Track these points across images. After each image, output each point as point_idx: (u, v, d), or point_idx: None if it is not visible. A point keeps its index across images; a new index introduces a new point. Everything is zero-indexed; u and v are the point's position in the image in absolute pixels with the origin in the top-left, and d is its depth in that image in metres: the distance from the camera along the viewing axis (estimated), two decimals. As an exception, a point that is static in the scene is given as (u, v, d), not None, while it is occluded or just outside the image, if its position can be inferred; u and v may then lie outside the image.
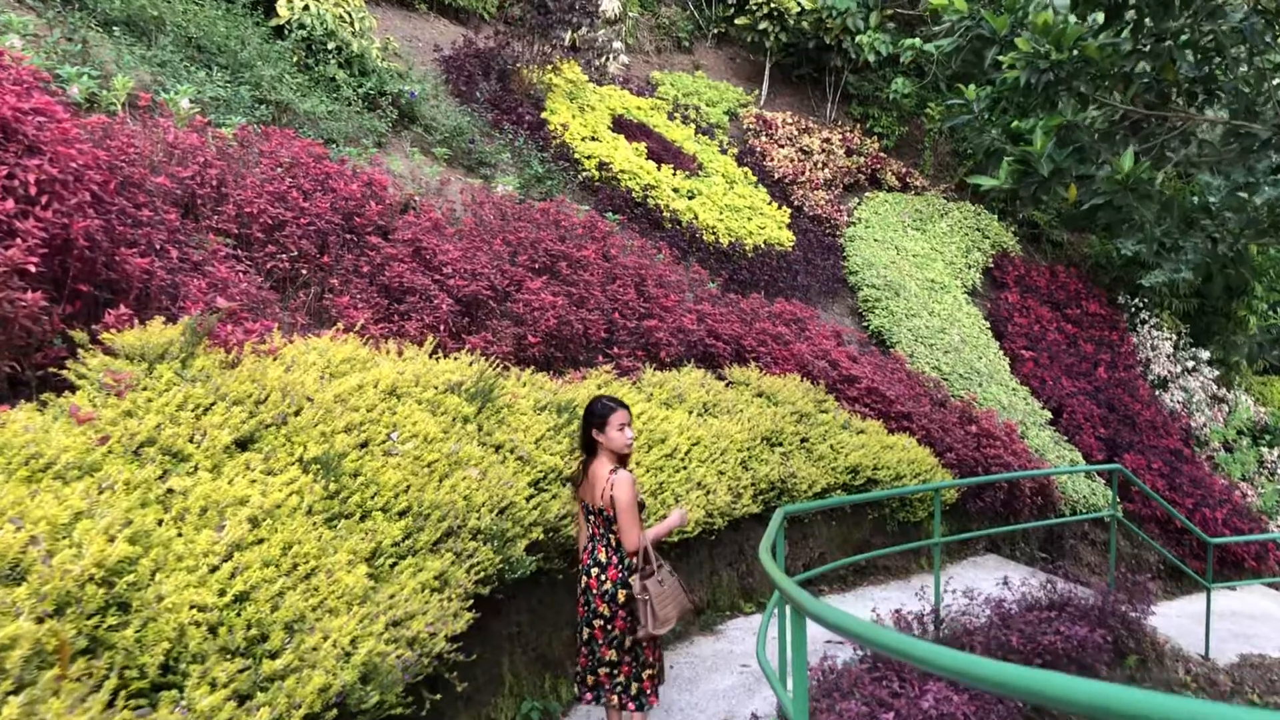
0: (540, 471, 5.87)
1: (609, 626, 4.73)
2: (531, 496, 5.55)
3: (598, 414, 4.87)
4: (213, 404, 4.11)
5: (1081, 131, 5.84)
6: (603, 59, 14.93)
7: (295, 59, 9.87)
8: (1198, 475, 13.56)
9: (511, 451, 5.81)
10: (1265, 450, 15.13)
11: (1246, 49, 5.93)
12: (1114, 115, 6.49)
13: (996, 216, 17.23)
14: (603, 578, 4.75)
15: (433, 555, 4.41)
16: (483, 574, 4.71)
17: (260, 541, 3.51)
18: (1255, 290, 16.01)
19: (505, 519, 5.15)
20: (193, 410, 3.98)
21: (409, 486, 4.59)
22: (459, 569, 4.46)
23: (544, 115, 12.09)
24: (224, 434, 3.90)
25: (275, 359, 4.92)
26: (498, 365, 6.82)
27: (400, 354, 6.08)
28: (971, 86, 6.92)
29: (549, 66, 12.92)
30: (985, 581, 9.75)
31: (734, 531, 7.83)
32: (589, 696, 4.82)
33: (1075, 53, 5.74)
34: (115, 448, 3.51)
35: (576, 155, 11.61)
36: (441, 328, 6.87)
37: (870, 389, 9.97)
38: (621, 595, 4.71)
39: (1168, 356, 15.89)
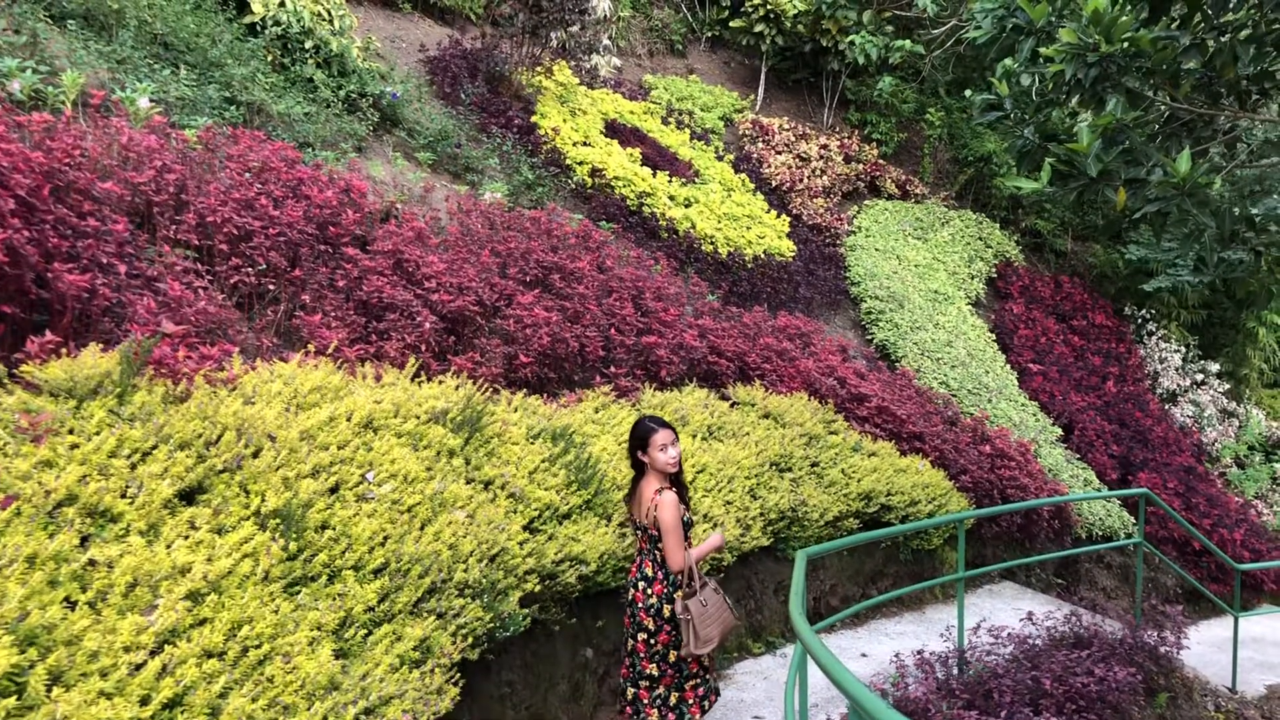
0: (535, 510, 5.28)
1: (652, 641, 4.82)
2: (525, 541, 4.96)
3: (640, 435, 4.94)
4: (153, 448, 3.50)
5: (1132, 132, 5.29)
6: (594, 62, 14.36)
7: (270, 58, 9.25)
8: (1213, 494, 13.04)
9: (502, 488, 5.21)
10: (1278, 467, 14.63)
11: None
12: (1162, 116, 5.95)
13: (998, 225, 16.72)
14: (648, 592, 4.84)
15: (413, 619, 3.81)
16: (471, 636, 4.10)
17: (202, 623, 2.91)
18: (1266, 301, 15.53)
19: (496, 568, 4.56)
20: (128, 457, 3.37)
21: (386, 538, 3.99)
22: (443, 634, 3.86)
23: (534, 119, 11.51)
24: (164, 485, 3.29)
25: (233, 389, 4.31)
26: (486, 389, 6.23)
27: (378, 379, 5.48)
28: (1004, 81, 6.35)
29: (539, 69, 12.34)
30: (1004, 612, 9.19)
31: (742, 566, 7.24)
32: (628, 710, 4.91)
33: (1126, 45, 5.18)
34: (25, 510, 2.90)
35: (568, 161, 11.03)
36: (424, 347, 6.27)
37: (880, 408, 9.40)
38: (666, 610, 4.80)
39: (1177, 369, 15.39)
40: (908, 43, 15.03)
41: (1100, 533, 11.33)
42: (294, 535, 3.58)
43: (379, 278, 6.51)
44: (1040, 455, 11.48)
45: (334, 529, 3.81)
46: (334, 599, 3.52)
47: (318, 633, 3.27)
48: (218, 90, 8.08)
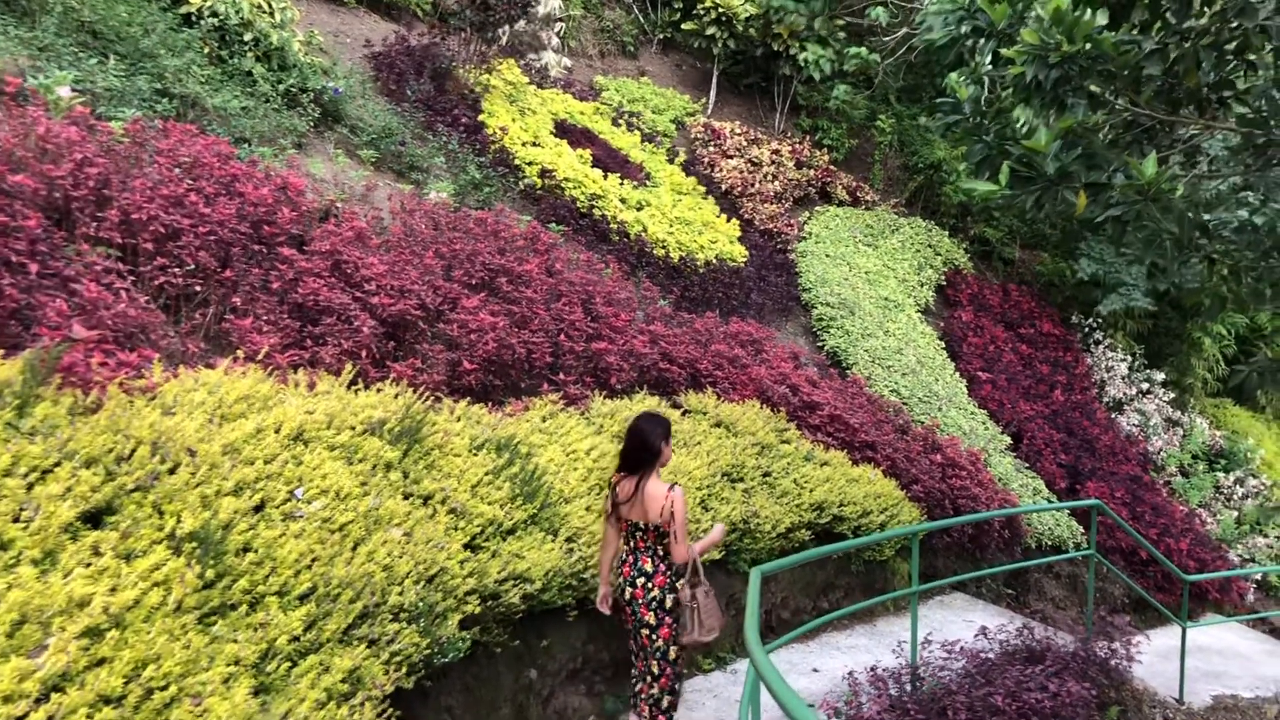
0: (477, 526, 5.03)
1: (654, 635, 5.04)
2: (466, 559, 4.70)
3: (667, 429, 5.20)
4: (55, 465, 3.20)
5: (1093, 135, 5.16)
6: (544, 61, 14.10)
7: (206, 50, 8.89)
8: (1158, 503, 13.08)
9: (443, 503, 4.95)
10: (1221, 476, 14.74)
11: (1273, 50, 5.30)
12: (1122, 122, 5.84)
13: (948, 233, 16.72)
14: (649, 586, 5.03)
15: (342, 648, 3.55)
16: (406, 664, 3.84)
17: (100, 664, 2.62)
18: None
19: (435, 590, 4.30)
20: (24, 476, 3.07)
21: (314, 560, 3.72)
22: (375, 663, 3.60)
23: (481, 118, 11.23)
24: (65, 507, 3.00)
25: (152, 399, 4.01)
26: (428, 397, 5.97)
27: (312, 387, 5.19)
28: (963, 85, 6.22)
29: (486, 66, 12.06)
30: (955, 624, 9.09)
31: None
32: (644, 710, 5.13)
33: (1089, 46, 5.06)
34: (-100, 537, 2.60)
35: (517, 161, 10.77)
36: (363, 353, 5.98)
37: (833, 416, 9.25)
38: (669, 601, 5.02)
39: (1123, 378, 15.46)
40: (863, 51, 14.95)
41: (1049, 542, 11.29)
42: (212, 560, 3.30)
43: (316, 279, 6.22)
44: (990, 464, 11.42)
45: (257, 551, 3.54)
46: (255, 629, 3.25)
47: (235, 668, 3.00)
48: (149, 82, 7.72)
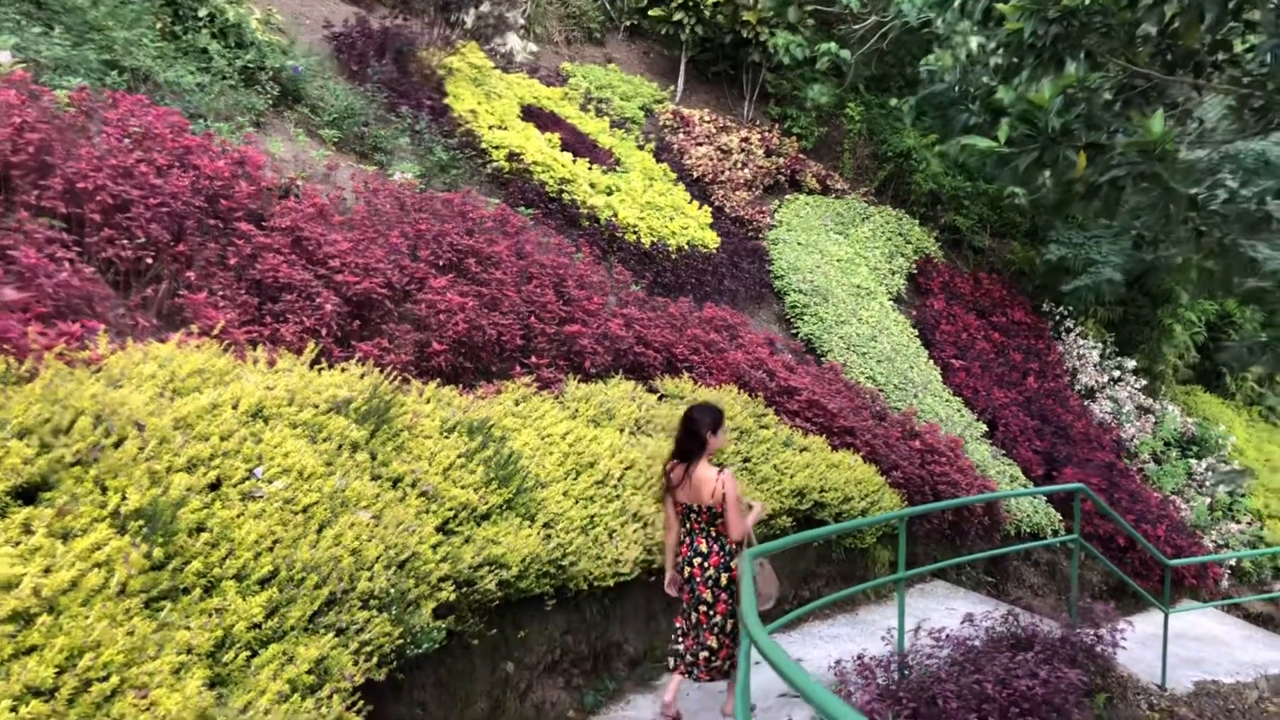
0: (449, 510, 4.74)
1: (711, 611, 5.32)
2: (439, 544, 4.41)
3: (718, 417, 5.48)
4: (-17, 436, 2.88)
5: (1093, 93, 4.96)
6: (509, 46, 13.79)
7: (159, 25, 8.51)
8: (1134, 489, 13.00)
9: (413, 486, 4.66)
10: (1194, 462, 14.69)
11: (1274, 8, 5.11)
12: (1116, 84, 5.64)
13: (918, 221, 16.58)
14: (705, 565, 5.32)
15: (308, 636, 3.25)
16: (377, 655, 3.55)
17: (29, 652, 2.32)
18: (1180, 298, 15.63)
19: (406, 575, 4.01)
20: (-54, 446, 2.76)
21: (276, 542, 3.42)
22: (344, 653, 3.31)
23: (446, 100, 10.90)
24: (-7, 480, 2.68)
25: (97, 371, 3.69)
26: (395, 377, 5.66)
27: (272, 364, 4.88)
28: (947, 54, 6.00)
29: (450, 50, 11.73)
30: (937, 612, 8.89)
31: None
32: (683, 670, 5.41)
33: (1089, 1, 4.85)
34: None
35: (484, 144, 10.45)
36: (325, 332, 5.67)
37: (811, 401, 9.02)
38: (724, 579, 5.33)
39: (1095, 366, 15.39)
40: (833, 45, 14.76)
41: (1028, 529, 11.15)
42: (160, 540, 2.99)
43: (275, 255, 5.90)
44: (968, 451, 11.26)
45: (212, 532, 3.24)
46: (210, 615, 2.95)
47: (187, 657, 2.69)
48: (97, 53, 7.35)
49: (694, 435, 5.36)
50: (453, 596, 4.25)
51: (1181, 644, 10.81)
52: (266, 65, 9.08)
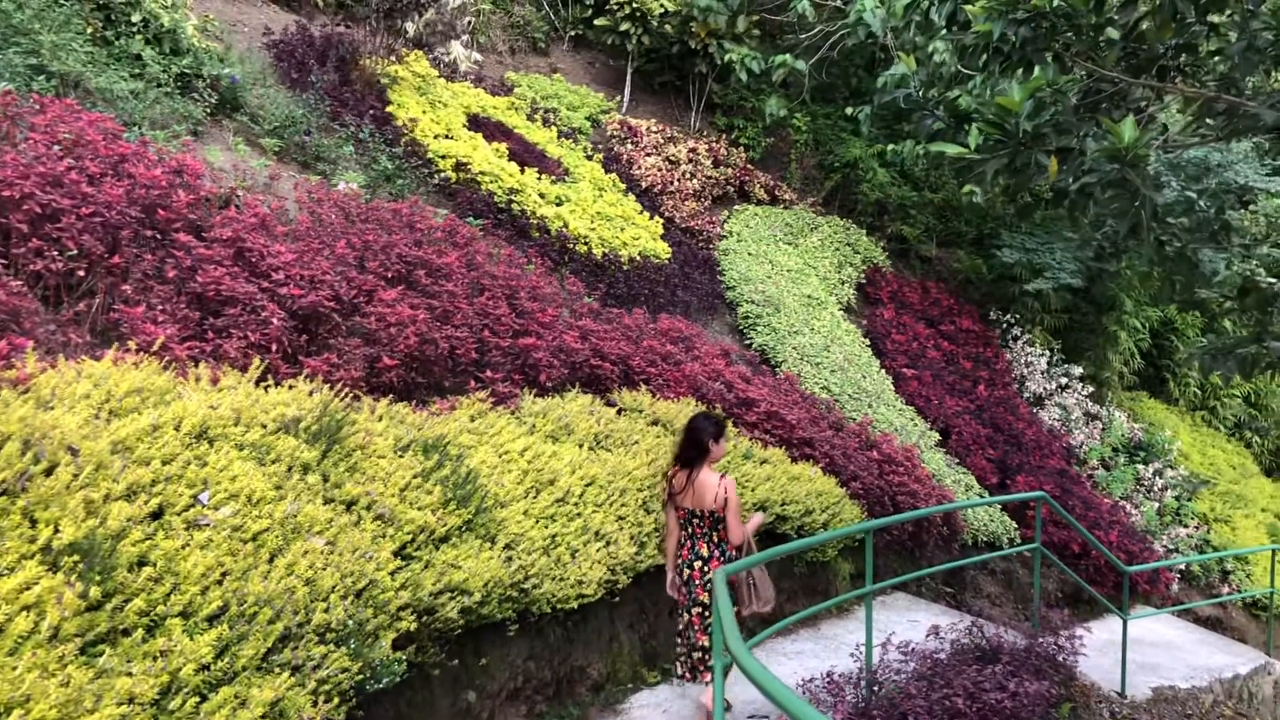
0: (407, 533, 4.49)
1: (706, 614, 5.49)
2: (398, 570, 4.16)
3: (720, 427, 5.72)
4: (-103, 465, 2.60)
5: (1063, 96, 4.87)
6: (453, 55, 13.53)
7: (90, 30, 8.17)
8: (1086, 496, 13.05)
9: (368, 509, 4.41)
10: (1141, 468, 14.81)
11: (1240, 9, 5.07)
12: (1080, 89, 5.58)
13: (865, 231, 16.59)
14: (705, 569, 5.50)
15: (261, 676, 3.00)
16: (336, 693, 3.30)
17: (-52, 710, 2.06)
18: (1125, 305, 15.78)
19: (364, 605, 3.76)
20: None
21: (225, 574, 3.16)
22: (300, 692, 3.06)
23: (390, 109, 10.63)
24: (-92, 515, 2.41)
25: (24, 392, 3.40)
26: (346, 394, 5.41)
27: (215, 382, 4.60)
28: (911, 57, 5.89)
29: (394, 58, 11.46)
30: (899, 624, 8.78)
31: (636, 588, 6.57)
32: (687, 676, 5.59)
33: (1057, 2, 4.76)
34: None
35: (430, 154, 10.19)
36: (273, 347, 5.39)
37: (770, 413, 8.89)
38: None
39: (1042, 373, 15.47)
40: (788, 57, 14.70)
41: (985, 539, 11.12)
42: (98, 576, 2.73)
43: (217, 268, 5.60)
44: (923, 460, 11.20)
45: (155, 565, 2.97)
46: (154, 659, 2.69)
47: (129, 708, 2.43)
48: (22, 57, 7.01)
49: (697, 443, 5.59)
50: (413, 626, 4.01)
51: (1137, 650, 10.84)
52: (203, 72, 8.77)
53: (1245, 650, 11.61)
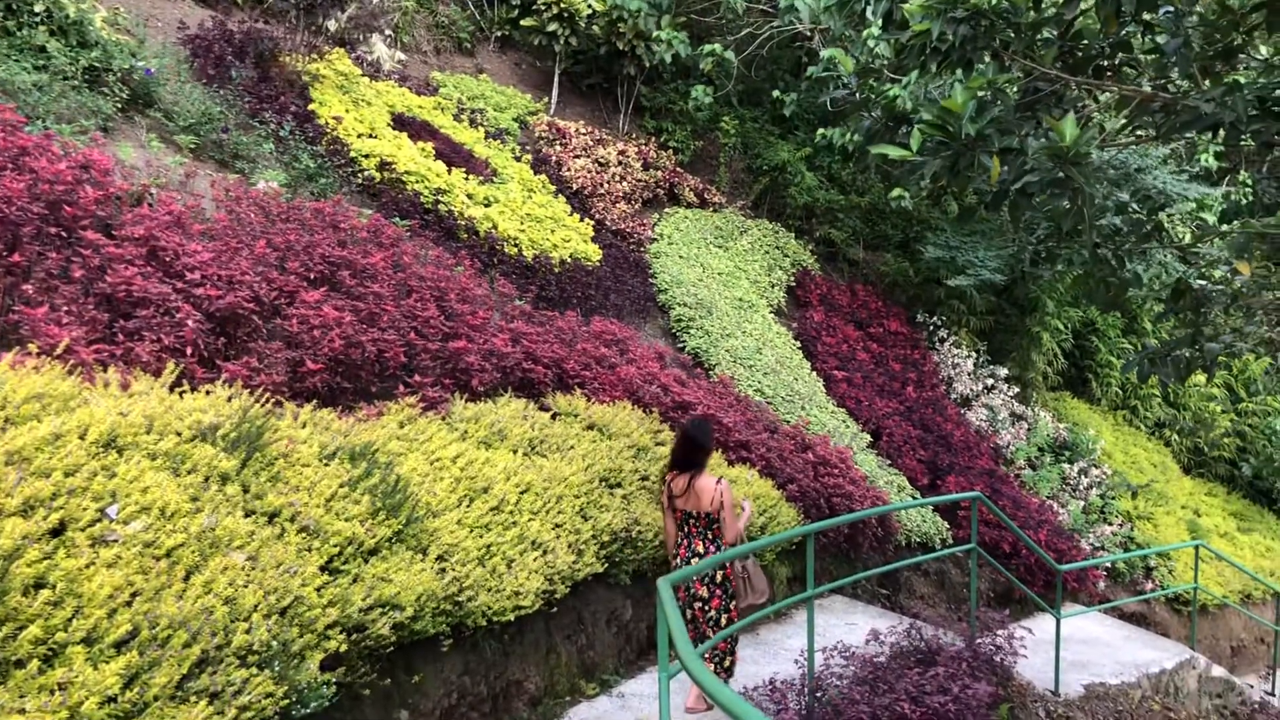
0: (334, 546, 4.25)
1: (706, 606, 5.92)
2: (325, 585, 3.92)
3: (711, 433, 6.13)
4: None
5: (1005, 95, 4.81)
6: (376, 53, 13.21)
7: (-13, 21, 7.75)
8: (1015, 495, 13.16)
9: (292, 520, 4.15)
10: (1067, 467, 15.01)
11: (1172, 10, 5.06)
12: (1020, 87, 5.53)
13: (794, 234, 16.61)
14: None
15: (176, 706, 2.75)
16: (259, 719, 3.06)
17: None
18: (1047, 307, 16.00)
19: (289, 624, 3.52)
20: None
21: (135, 595, 2.91)
22: (220, 722, 2.81)
23: (312, 107, 10.29)
24: None
25: (-91, 399, 3.10)
26: (267, 400, 5.12)
27: (126, 387, 4.30)
28: (847, 56, 5.80)
29: (315, 55, 11.12)
30: (837, 627, 8.72)
31: (573, 597, 6.37)
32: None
33: (995, 1, 4.70)
34: None
35: (353, 153, 9.88)
36: (188, 351, 5.10)
37: (706, 416, 8.74)
38: (719, 576, 5.93)
39: (969, 374, 15.61)
40: (718, 47, 14.62)
41: (918, 539, 11.12)
42: (-11, 601, 2.46)
43: (128, 267, 5.29)
44: (857, 461, 11.18)
45: (54, 588, 2.70)
46: (51, 692, 2.43)
47: (23, 749, 2.18)
48: (-87, 47, 6.59)
49: (699, 449, 5.95)
50: (343, 645, 3.77)
51: (1068, 647, 10.93)
52: (114, 66, 8.38)
53: (1170, 645, 11.79)
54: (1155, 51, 5.31)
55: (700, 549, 5.89)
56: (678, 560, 5.98)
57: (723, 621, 5.90)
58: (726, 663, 6.10)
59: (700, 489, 5.86)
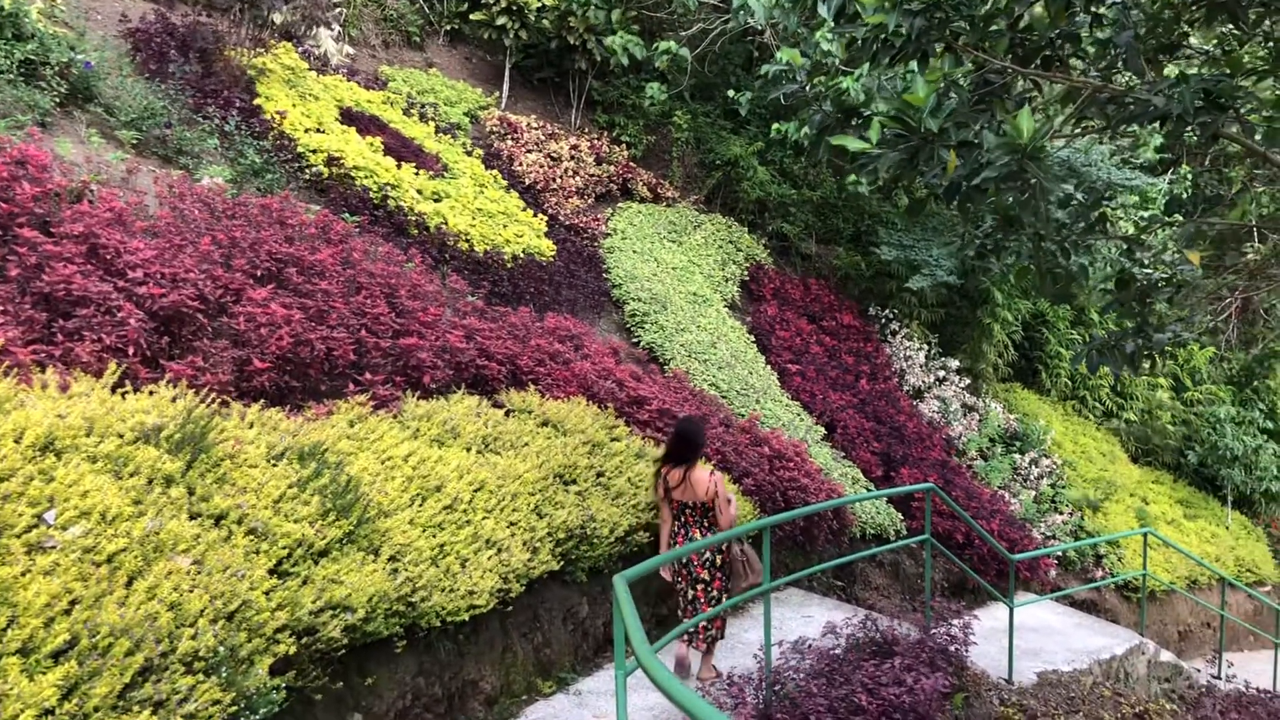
0: (283, 548, 4.16)
1: (709, 589, 6.48)
2: (274, 588, 3.84)
3: (704, 428, 6.82)
4: None
5: (961, 89, 4.82)
6: (323, 47, 13.03)
7: (-85, 12, 7.53)
8: (967, 486, 13.29)
9: (240, 523, 4.06)
10: (1018, 457, 15.19)
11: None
12: (970, 82, 5.55)
13: (747, 229, 16.64)
14: (702, 551, 6.36)
15: (118, 716, 2.66)
16: (205, 729, 2.98)
17: None
18: (997, 299, 16.17)
19: (237, 628, 3.44)
20: None
21: (74, 602, 2.82)
22: (165, 731, 2.73)
23: (258, 101, 10.12)
24: None
25: None
26: (213, 400, 5.02)
27: (65, 388, 4.19)
28: (795, 51, 5.79)
29: (261, 49, 10.93)
30: (793, 620, 8.74)
31: (529, 595, 6.31)
32: (699, 644, 6.56)
33: (951, -8, 4.71)
34: None
35: (300, 148, 9.73)
36: (130, 350, 4.97)
37: (662, 410, 8.73)
38: (717, 560, 6.48)
39: (921, 366, 15.73)
40: (673, 45, 14.57)
41: (872, 531, 11.19)
42: (-81, 612, 2.37)
43: (68, 265, 5.15)
44: (811, 454, 11.21)
45: (-10, 596, 2.61)
46: (-14, 705, 2.35)
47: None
48: None
49: (693, 444, 6.46)
50: (292, 649, 3.70)
51: (1021, 635, 11.05)
52: (51, 60, 8.18)
53: (1120, 631, 11.96)
54: (1103, 44, 5.36)
55: (697, 536, 6.43)
56: (673, 547, 6.55)
57: (721, 599, 6.47)
58: (712, 631, 6.60)
59: (695, 481, 6.38)
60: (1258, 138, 5.96)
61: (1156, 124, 5.09)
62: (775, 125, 14.20)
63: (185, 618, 3.21)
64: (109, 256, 5.54)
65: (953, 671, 7.96)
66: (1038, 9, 5.06)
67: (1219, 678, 12.46)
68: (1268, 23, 5.94)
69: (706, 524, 6.48)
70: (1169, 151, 7.72)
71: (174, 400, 4.48)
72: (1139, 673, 11.41)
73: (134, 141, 8.26)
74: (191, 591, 3.33)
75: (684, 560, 6.45)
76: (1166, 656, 11.63)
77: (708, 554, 6.39)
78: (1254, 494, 18.67)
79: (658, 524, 7.61)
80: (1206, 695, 11.59)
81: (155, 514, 3.54)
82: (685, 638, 6.49)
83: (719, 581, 6.48)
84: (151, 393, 4.55)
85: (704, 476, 6.40)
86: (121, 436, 3.87)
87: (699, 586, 6.48)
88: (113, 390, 4.48)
